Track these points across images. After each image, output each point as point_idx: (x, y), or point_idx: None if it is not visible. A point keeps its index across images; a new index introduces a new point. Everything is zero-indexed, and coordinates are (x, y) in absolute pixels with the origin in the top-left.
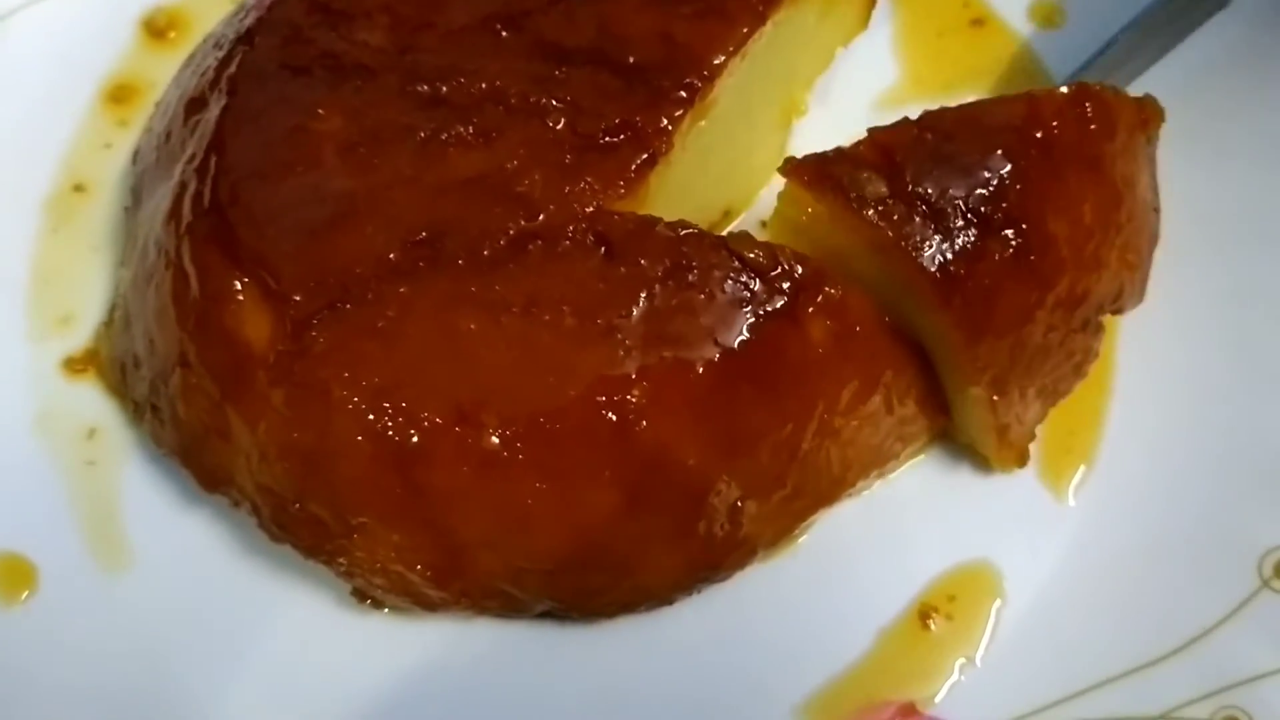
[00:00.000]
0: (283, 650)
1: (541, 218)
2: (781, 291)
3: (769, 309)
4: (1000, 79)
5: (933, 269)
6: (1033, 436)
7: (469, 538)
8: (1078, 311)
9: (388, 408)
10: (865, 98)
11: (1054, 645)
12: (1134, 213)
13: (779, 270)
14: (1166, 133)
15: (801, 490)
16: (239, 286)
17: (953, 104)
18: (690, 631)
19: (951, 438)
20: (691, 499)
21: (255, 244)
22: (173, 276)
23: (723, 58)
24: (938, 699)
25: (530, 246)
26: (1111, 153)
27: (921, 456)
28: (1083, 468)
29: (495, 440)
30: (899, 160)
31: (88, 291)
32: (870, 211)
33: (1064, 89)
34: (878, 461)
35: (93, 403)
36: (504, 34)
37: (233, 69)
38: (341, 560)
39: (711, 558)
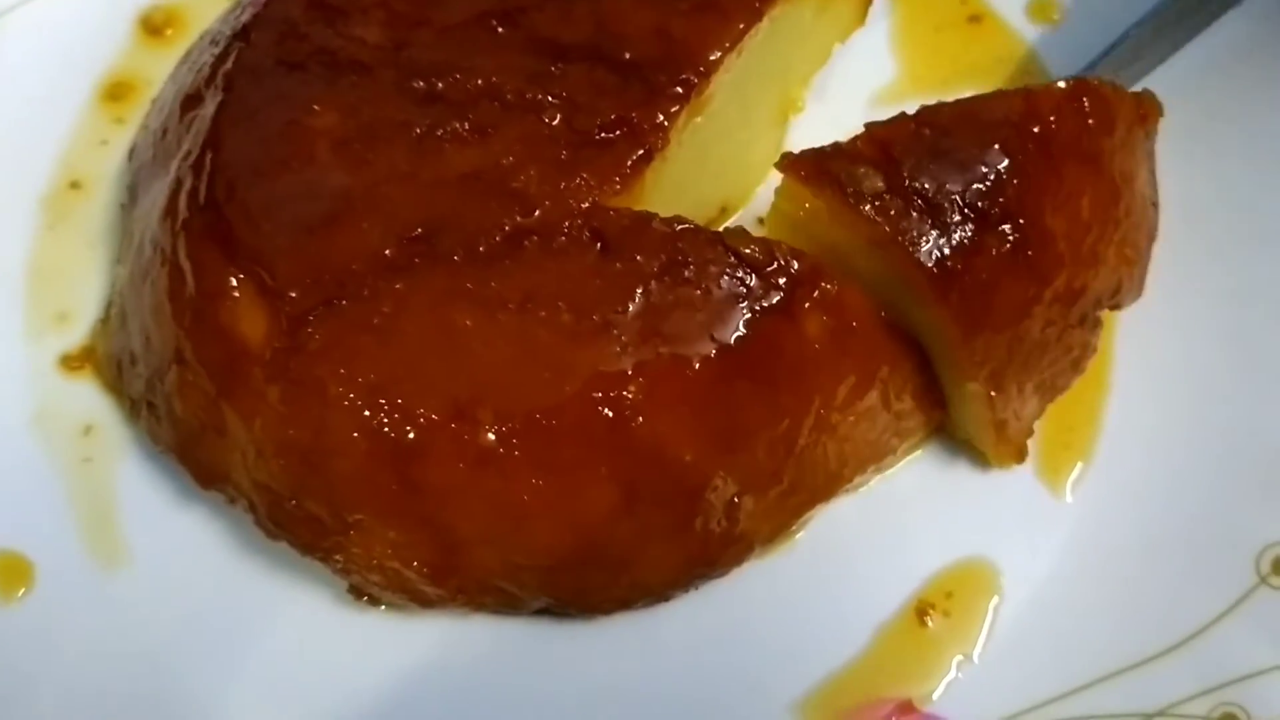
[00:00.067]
0: (279, 647)
1: (537, 214)
2: (778, 287)
3: (765, 304)
4: (998, 75)
5: (929, 264)
6: (1031, 432)
7: (465, 534)
8: (1075, 307)
9: (384, 404)
10: (862, 94)
11: (1052, 642)
12: (1132, 208)
13: (775, 266)
14: (1168, 130)
15: (798, 486)
16: (235, 283)
17: (950, 100)
18: (687, 628)
19: (949, 434)
20: (688, 495)
21: (251, 240)
22: (169, 273)
23: (719, 54)
24: (935, 696)
25: (526, 242)
26: (1110, 148)
27: (919, 453)
28: (1081, 465)
29: (491, 437)
30: (896, 155)
31: (84, 289)
32: (867, 207)
33: (1062, 84)
34: (875, 457)
35: (89, 400)
36: (500, 30)
37: (229, 66)
38: (338, 557)
39: (708, 554)
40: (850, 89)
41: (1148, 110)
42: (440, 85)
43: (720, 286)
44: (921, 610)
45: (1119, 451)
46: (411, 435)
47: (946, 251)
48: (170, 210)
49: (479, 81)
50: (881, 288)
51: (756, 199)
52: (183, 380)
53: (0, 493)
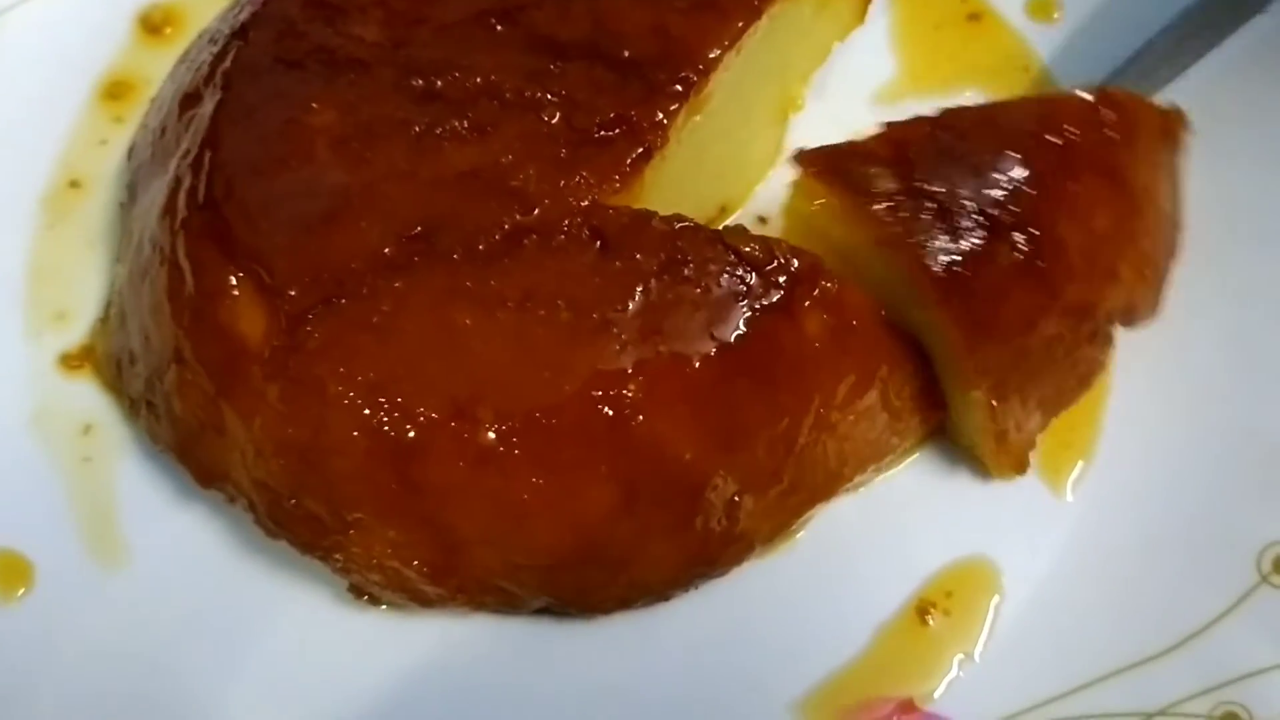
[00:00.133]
0: (279, 646)
1: (536, 212)
2: (777, 285)
3: (765, 303)
4: (997, 73)
5: (937, 268)
6: (1032, 445)
7: (465, 534)
8: (1086, 322)
9: (383, 403)
10: (862, 92)
11: (1053, 641)
12: (1151, 224)
13: (775, 264)
14: None
15: (798, 485)
16: (234, 282)
17: (950, 98)
18: (688, 628)
19: (950, 439)
20: (688, 494)
21: (250, 239)
22: (168, 272)
23: (718, 52)
24: (936, 695)
25: (525, 241)
26: (1131, 161)
27: (920, 453)
28: (1081, 463)
29: (491, 436)
30: (911, 156)
31: (83, 288)
32: (877, 206)
33: (1084, 93)
34: (875, 456)
35: (88, 399)
36: (498, 28)
37: (227, 64)
38: (338, 556)
39: (708, 553)
40: (850, 87)
41: (1173, 124)
42: (439, 83)
43: (720, 285)
44: (922, 609)
45: (1119, 450)
46: (411, 434)
47: (955, 256)
48: (169, 209)
49: (478, 80)
50: (889, 289)
51: (756, 198)
52: (182, 379)
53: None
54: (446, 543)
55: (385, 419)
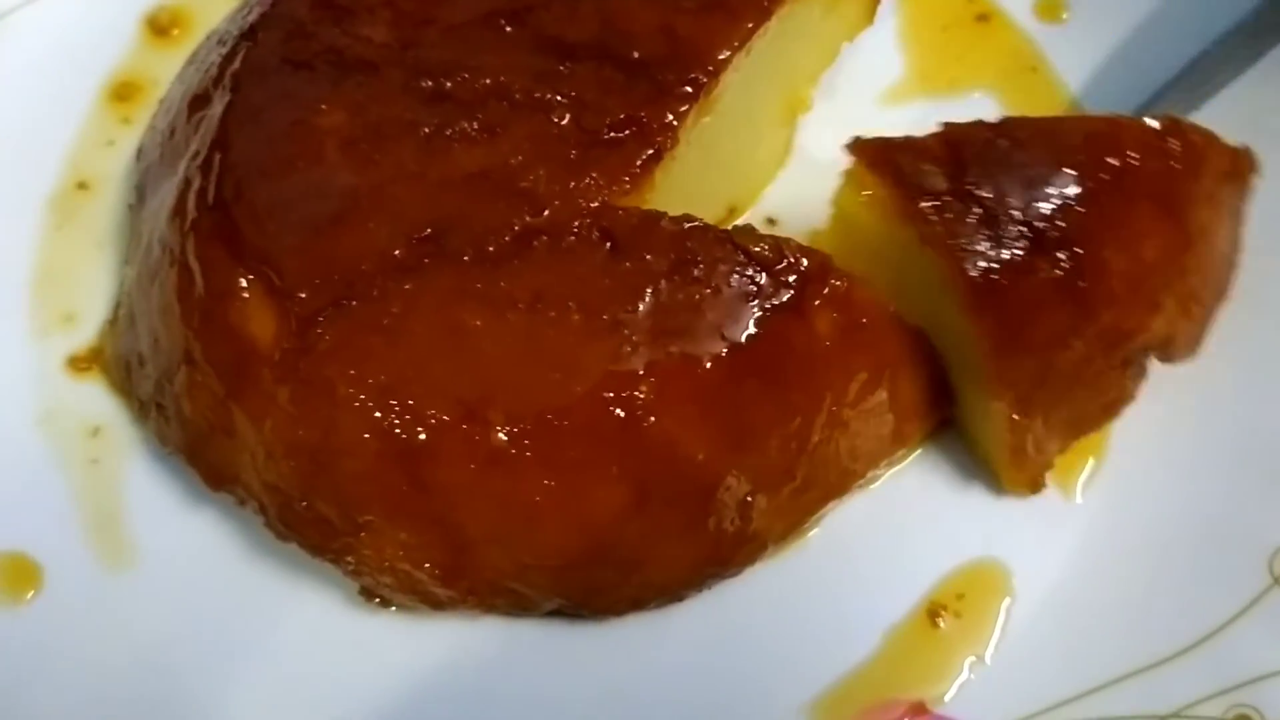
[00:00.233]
0: (289, 649)
1: (546, 213)
2: (787, 285)
3: (775, 302)
4: (1005, 74)
5: (974, 273)
6: (1049, 466)
7: (476, 535)
8: (1120, 348)
9: (394, 405)
10: (870, 93)
11: (1064, 644)
12: (1203, 262)
13: (784, 264)
14: None
15: (811, 483)
16: (244, 284)
17: (957, 98)
18: (699, 629)
19: (967, 448)
20: (700, 494)
21: (259, 241)
22: (177, 274)
23: (727, 53)
24: (947, 698)
25: (535, 242)
26: (1191, 196)
27: (931, 455)
28: (1092, 465)
29: (502, 437)
30: (965, 158)
31: (91, 289)
32: (924, 203)
33: (1153, 121)
34: (887, 451)
35: (97, 401)
36: (507, 29)
37: (236, 65)
38: (349, 558)
39: (721, 553)
40: (858, 87)
41: (1241, 166)
42: (448, 84)
43: (730, 285)
44: (933, 611)
45: (1130, 452)
46: (422, 436)
47: (994, 264)
48: (179, 210)
49: (487, 81)
50: (924, 288)
51: (764, 198)
52: (192, 381)
53: (8, 494)
54: (457, 544)
55: (396, 421)
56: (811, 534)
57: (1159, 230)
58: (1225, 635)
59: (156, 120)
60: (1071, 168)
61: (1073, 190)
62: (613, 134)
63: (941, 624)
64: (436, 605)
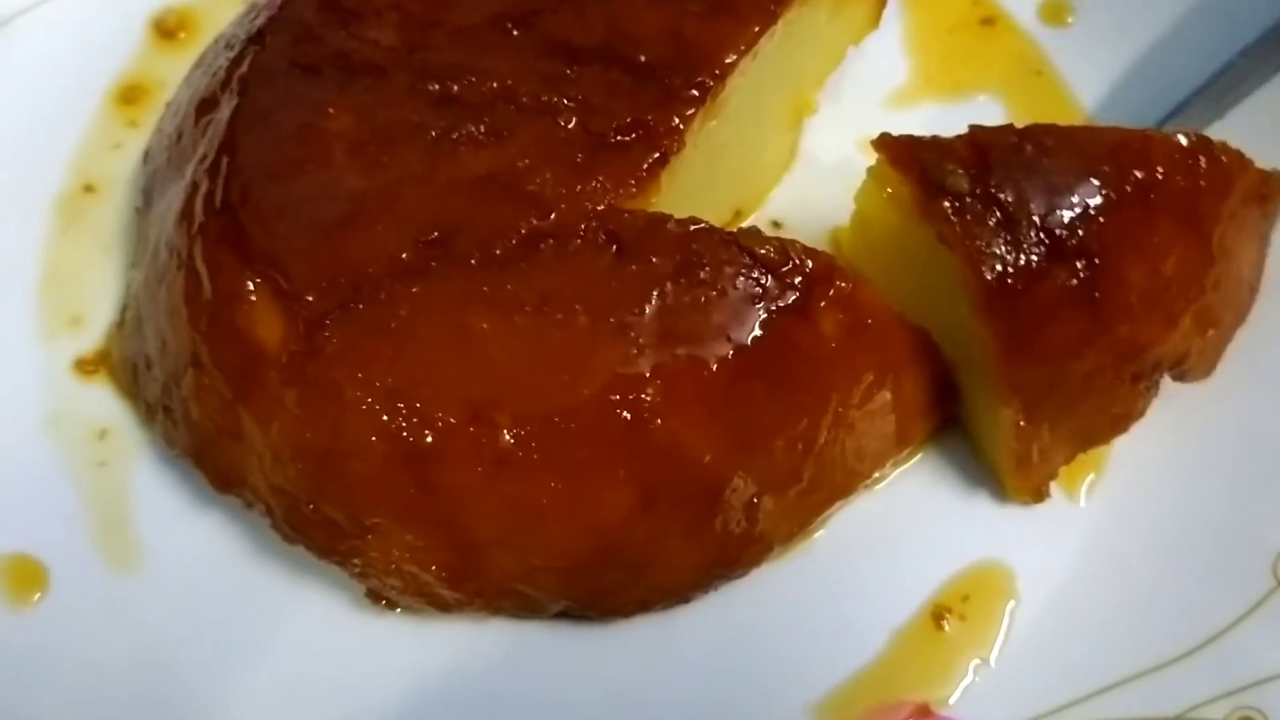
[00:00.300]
0: (296, 651)
1: (553, 216)
2: (793, 286)
3: (781, 304)
4: (1010, 77)
5: (989, 276)
6: (1054, 475)
7: (483, 537)
8: (1132, 363)
9: (401, 408)
10: (875, 96)
11: (1068, 646)
12: (1224, 283)
13: (790, 265)
14: None
15: (818, 484)
16: (251, 287)
17: (962, 101)
18: (705, 631)
19: (974, 453)
20: (707, 496)
21: (267, 244)
22: (185, 277)
23: (734, 56)
24: (952, 700)
25: (542, 245)
26: (1217, 215)
27: (936, 458)
28: (1096, 467)
29: (509, 439)
30: (990, 162)
31: (98, 292)
32: (945, 203)
33: (1182, 137)
34: (892, 451)
35: (104, 404)
36: (514, 32)
37: (244, 69)
38: (355, 561)
39: (728, 554)
40: (863, 90)
41: (1272, 189)
42: (455, 88)
43: (736, 287)
44: (938, 614)
45: (1134, 455)
46: (429, 438)
47: (1010, 268)
48: (186, 214)
49: (493, 84)
50: (939, 289)
51: (770, 201)
52: (199, 384)
53: (15, 496)
54: (464, 546)
55: (403, 423)
56: (817, 536)
57: (1181, 246)
58: (1229, 638)
59: (163, 124)
60: (1096, 178)
61: (1095, 200)
62: (619, 137)
63: (946, 626)
64: (443, 607)
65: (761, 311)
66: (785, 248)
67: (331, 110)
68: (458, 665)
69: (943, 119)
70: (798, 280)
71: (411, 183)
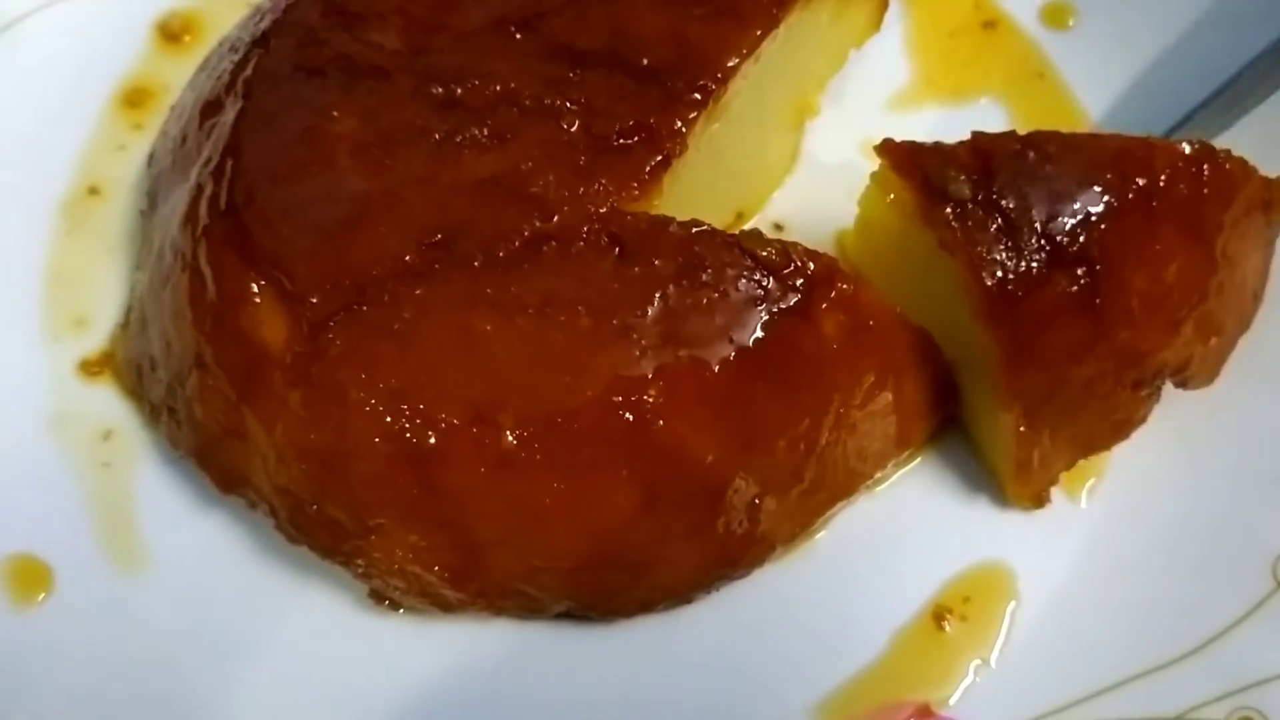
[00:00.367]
0: (299, 652)
1: (556, 219)
2: (795, 288)
3: (782, 306)
4: (1011, 80)
5: (990, 282)
6: (1054, 481)
7: (486, 538)
8: (1133, 369)
9: (404, 409)
10: (877, 99)
11: (1069, 646)
12: (1226, 289)
13: (791, 267)
14: None
15: (819, 484)
16: (255, 288)
17: (964, 104)
18: (707, 631)
19: (976, 457)
20: (709, 496)
21: (271, 246)
22: (189, 279)
23: (736, 59)
24: (953, 700)
25: (545, 247)
26: (1220, 223)
27: (937, 459)
28: (1096, 469)
29: (512, 440)
30: (992, 168)
31: (103, 293)
32: (947, 209)
33: (1186, 145)
34: (893, 452)
35: (108, 405)
36: (517, 35)
37: (248, 72)
38: (359, 561)
39: (730, 555)
40: (865, 93)
41: (1276, 198)
42: (459, 91)
43: (738, 289)
44: (939, 615)
45: (1135, 456)
46: (432, 439)
47: (1012, 274)
48: (191, 216)
49: (497, 87)
50: (941, 295)
51: (772, 203)
52: (203, 385)
53: (19, 497)
54: (467, 547)
55: (406, 424)
56: (819, 536)
57: (1183, 254)
58: (1229, 638)
59: (168, 126)
60: (1098, 185)
61: (1098, 207)
62: (622, 140)
63: (947, 627)
64: (446, 608)
65: (763, 313)
66: (787, 250)
67: (335, 113)
68: (460, 665)
69: (944, 122)
70: (799, 282)
71: (415, 185)
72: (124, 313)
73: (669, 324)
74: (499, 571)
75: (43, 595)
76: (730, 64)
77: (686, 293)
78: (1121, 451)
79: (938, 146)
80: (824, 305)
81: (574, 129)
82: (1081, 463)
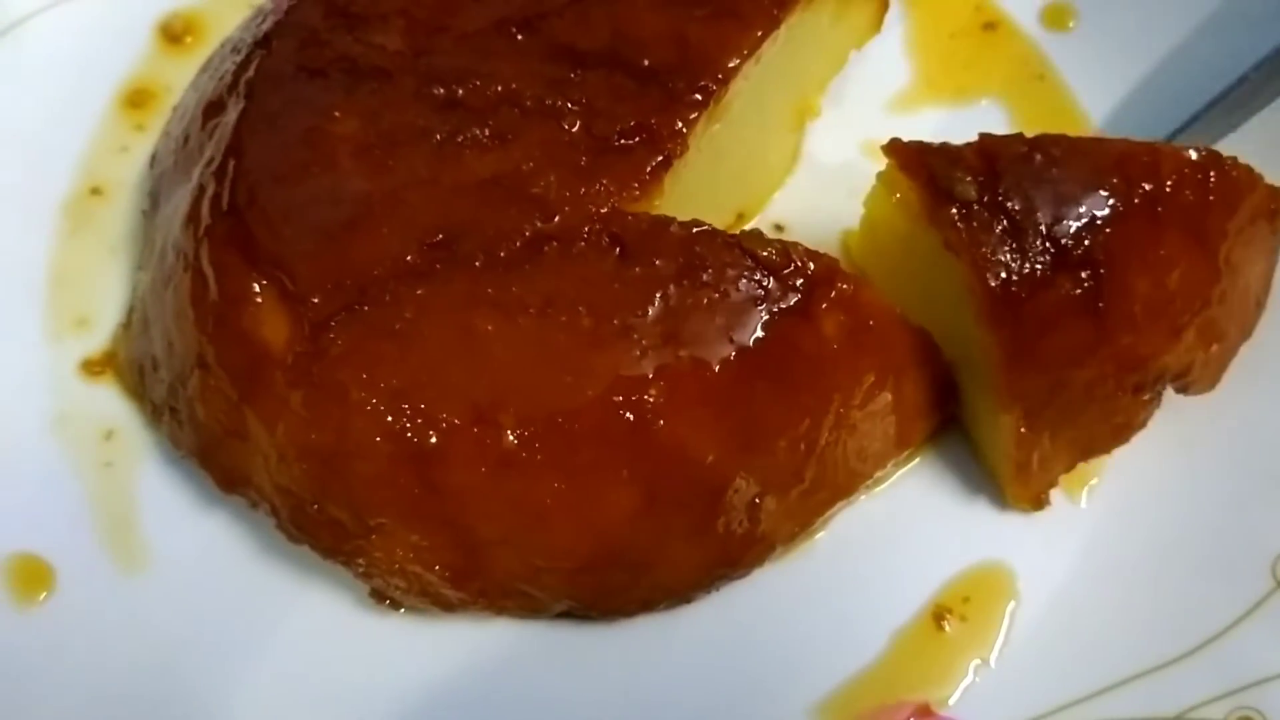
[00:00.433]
0: (300, 651)
1: (557, 219)
2: (795, 288)
3: (783, 306)
4: (1012, 82)
5: (994, 283)
6: (1053, 484)
7: (487, 537)
8: (1134, 374)
9: (405, 408)
10: (878, 100)
11: (1069, 646)
12: (1229, 297)
13: (791, 267)
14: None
15: (820, 484)
16: (257, 289)
17: (965, 106)
18: (707, 631)
19: (976, 459)
20: (710, 496)
21: (273, 246)
22: (191, 279)
23: (737, 60)
24: (952, 700)
25: (546, 248)
26: (1225, 230)
27: (937, 459)
28: (1096, 469)
29: (513, 440)
30: (998, 170)
31: (105, 294)
32: (952, 209)
33: (1192, 152)
34: (893, 452)
35: (110, 404)
36: (519, 36)
37: (250, 73)
38: (360, 561)
39: (730, 554)
40: (866, 94)
41: None
42: (460, 92)
43: (738, 289)
44: (939, 614)
45: (1134, 456)
46: (433, 439)
47: (1015, 276)
48: (193, 216)
49: (498, 88)
50: (944, 296)
51: (773, 204)
52: (205, 385)
53: (21, 497)
54: (469, 546)
55: (408, 424)
56: (819, 536)
57: (1187, 260)
58: (1229, 638)
59: (170, 127)
60: (1103, 189)
61: (1102, 211)
62: (623, 141)
63: (947, 627)
64: (447, 607)
65: (764, 313)
66: (787, 250)
67: (337, 114)
68: (461, 665)
69: (945, 124)
70: (799, 282)
71: (416, 186)
72: (126, 313)
73: (670, 324)
74: (500, 571)
75: (44, 594)
76: (731, 65)
77: (687, 293)
78: (1121, 452)
79: (944, 147)
80: (824, 305)
81: (575, 129)
82: (1081, 464)
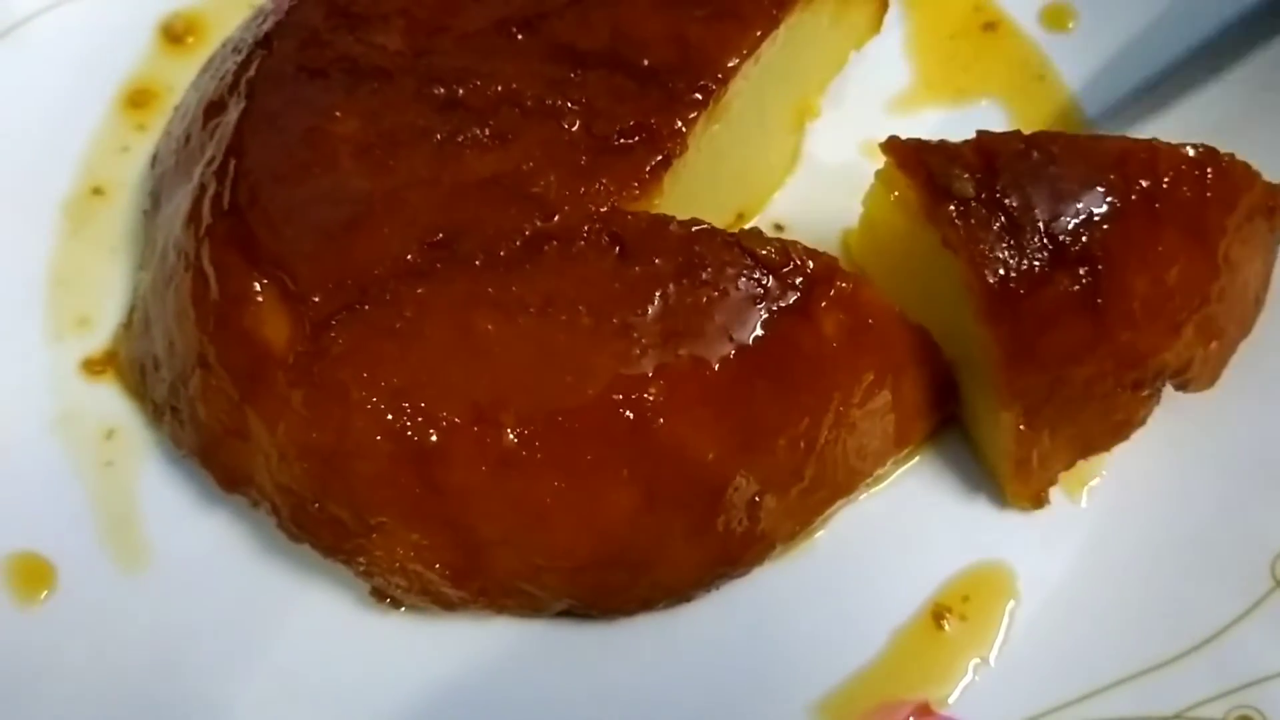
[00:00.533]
0: (301, 650)
1: (557, 218)
2: (794, 287)
3: (782, 304)
4: (1012, 82)
5: (992, 280)
6: (1053, 481)
7: (488, 536)
8: (1134, 370)
9: (406, 408)
10: (878, 100)
11: (1068, 645)
12: (1228, 293)
13: (791, 266)
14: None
15: (819, 482)
16: (258, 288)
17: (964, 106)
18: (707, 630)
19: (975, 457)
20: (710, 495)
21: (274, 245)
22: (192, 278)
23: (736, 60)
24: (952, 699)
25: (546, 247)
26: (1223, 227)
27: (936, 458)
28: (1095, 468)
29: (513, 439)
30: (996, 167)
31: (106, 293)
32: (950, 207)
33: (1190, 149)
34: (892, 450)
35: (111, 404)
36: (519, 37)
37: (251, 73)
38: (360, 560)
39: (730, 553)
40: (866, 95)
41: (1279, 202)
42: (460, 92)
43: (738, 288)
44: (938, 613)
45: (1133, 455)
46: (434, 438)
47: (1013, 273)
48: (194, 216)
49: (499, 88)
50: (942, 293)
51: (773, 204)
52: (206, 385)
53: (22, 496)
54: (469, 545)
55: (408, 423)
56: (819, 535)
57: (1185, 256)
58: (1228, 637)
59: (171, 127)
60: (1102, 186)
61: (1101, 208)
62: (623, 140)
63: (946, 626)
64: (448, 606)
65: (763, 312)
66: (786, 249)
67: (338, 114)
68: (461, 664)
69: (945, 124)
70: (799, 281)
71: (417, 185)
72: (127, 312)
73: (669, 323)
74: (500, 570)
75: (45, 593)
76: (731, 65)
77: (687, 292)
78: (1121, 451)
79: (942, 145)
80: (823, 304)
81: (575, 129)
82: (1081, 462)
